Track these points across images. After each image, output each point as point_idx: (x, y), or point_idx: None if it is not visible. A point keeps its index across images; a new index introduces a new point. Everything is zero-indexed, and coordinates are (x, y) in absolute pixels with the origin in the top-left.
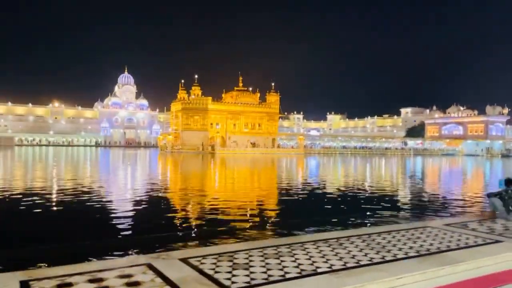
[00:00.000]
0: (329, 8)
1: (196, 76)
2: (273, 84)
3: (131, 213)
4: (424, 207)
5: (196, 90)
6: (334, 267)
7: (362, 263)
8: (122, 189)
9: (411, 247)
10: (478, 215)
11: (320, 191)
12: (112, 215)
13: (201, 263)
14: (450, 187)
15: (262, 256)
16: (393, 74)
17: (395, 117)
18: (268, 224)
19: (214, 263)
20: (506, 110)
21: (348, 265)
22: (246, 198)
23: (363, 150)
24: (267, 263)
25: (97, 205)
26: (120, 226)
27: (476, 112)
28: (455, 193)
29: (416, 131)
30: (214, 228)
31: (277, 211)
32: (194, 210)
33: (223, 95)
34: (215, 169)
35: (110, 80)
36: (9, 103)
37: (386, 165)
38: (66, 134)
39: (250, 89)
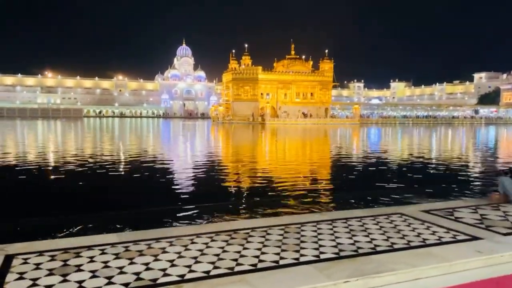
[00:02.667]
0: None
1: (246, 45)
2: (326, 51)
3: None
4: (446, 183)
5: (246, 60)
6: None
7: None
8: (175, 163)
9: (330, 245)
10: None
11: (352, 163)
12: (172, 185)
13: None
14: (497, 162)
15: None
16: (465, 37)
17: (467, 83)
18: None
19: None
20: None
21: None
22: (292, 172)
23: (427, 119)
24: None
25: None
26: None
27: None
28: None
29: (490, 98)
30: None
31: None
32: (246, 181)
33: (274, 64)
34: (265, 140)
35: (170, 53)
36: (78, 77)
37: (445, 135)
38: (129, 106)
39: (303, 57)
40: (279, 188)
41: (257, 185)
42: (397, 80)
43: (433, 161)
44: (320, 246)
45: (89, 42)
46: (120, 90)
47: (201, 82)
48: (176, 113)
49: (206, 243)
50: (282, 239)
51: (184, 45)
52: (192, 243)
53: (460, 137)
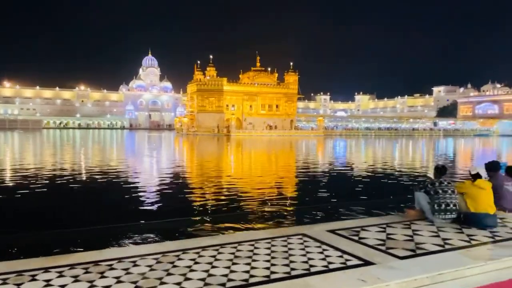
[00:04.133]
0: None
1: (211, 57)
2: (291, 64)
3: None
4: (386, 195)
5: (211, 71)
6: None
7: None
8: (132, 176)
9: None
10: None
11: (309, 175)
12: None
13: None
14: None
15: None
16: (426, 53)
17: (427, 96)
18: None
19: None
20: None
21: None
22: (254, 185)
23: (388, 131)
24: None
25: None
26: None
27: None
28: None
29: (448, 111)
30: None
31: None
32: (207, 195)
33: (240, 76)
34: (229, 152)
35: (135, 63)
36: (37, 87)
37: (405, 147)
38: (92, 117)
39: (269, 69)
40: (240, 203)
41: (217, 199)
42: (361, 93)
43: (383, 172)
44: (186, 279)
45: (49, 51)
46: (82, 101)
47: (168, 93)
48: (142, 124)
49: (172, 262)
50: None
51: (150, 55)
52: (158, 262)
53: (417, 148)
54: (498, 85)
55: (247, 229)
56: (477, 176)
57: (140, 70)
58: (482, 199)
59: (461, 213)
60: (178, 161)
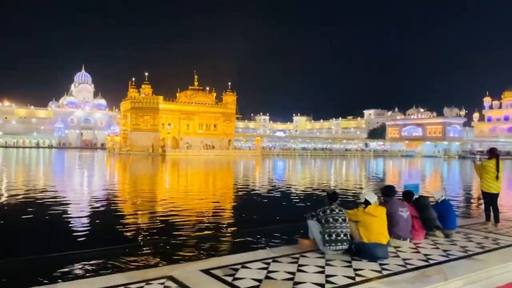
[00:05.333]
0: (293, 10)
1: (146, 74)
2: (229, 83)
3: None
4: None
5: (146, 89)
6: None
7: None
8: (50, 201)
9: None
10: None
11: (243, 197)
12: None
13: None
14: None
15: None
16: (358, 77)
17: (359, 118)
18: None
19: None
20: (463, 112)
21: None
22: (186, 209)
23: (323, 151)
24: None
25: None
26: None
27: (435, 114)
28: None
29: (378, 133)
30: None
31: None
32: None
33: (177, 94)
34: (163, 173)
35: (66, 79)
36: None
37: (332, 167)
38: (17, 134)
39: (207, 88)
40: (172, 228)
41: (147, 225)
42: (299, 114)
43: (306, 193)
44: None
45: None
46: (5, 117)
47: (102, 111)
48: (72, 143)
49: None
50: None
51: (83, 71)
52: None
53: (348, 168)
54: (422, 110)
55: (137, 267)
56: (367, 202)
57: (72, 86)
58: (374, 227)
59: (352, 244)
60: (104, 184)
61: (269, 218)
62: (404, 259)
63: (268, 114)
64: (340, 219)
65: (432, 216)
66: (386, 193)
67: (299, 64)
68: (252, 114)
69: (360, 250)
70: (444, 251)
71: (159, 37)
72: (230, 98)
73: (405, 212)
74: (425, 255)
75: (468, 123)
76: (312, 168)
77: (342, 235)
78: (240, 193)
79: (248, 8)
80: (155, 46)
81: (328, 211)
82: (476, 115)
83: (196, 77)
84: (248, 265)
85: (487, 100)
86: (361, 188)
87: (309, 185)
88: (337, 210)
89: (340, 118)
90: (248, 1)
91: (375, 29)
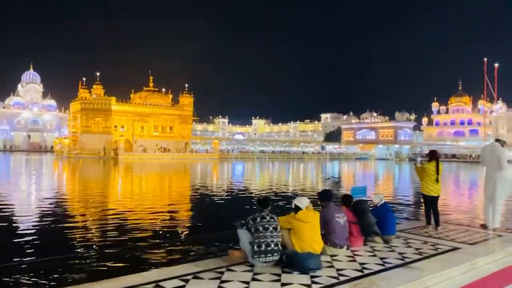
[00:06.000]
0: (249, 13)
1: (98, 74)
2: (186, 85)
3: None
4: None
5: (98, 89)
6: None
7: None
8: None
9: None
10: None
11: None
12: None
13: None
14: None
15: None
16: (317, 81)
17: (316, 122)
18: None
19: None
20: (413, 117)
21: None
22: (133, 218)
23: (281, 154)
24: None
25: None
26: None
27: (387, 118)
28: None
29: (334, 136)
30: None
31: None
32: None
33: (131, 96)
34: (113, 177)
35: (13, 79)
36: None
37: (289, 169)
38: None
39: (163, 90)
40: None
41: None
42: (258, 117)
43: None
44: None
45: None
46: None
47: (51, 112)
48: (19, 146)
49: None
50: None
51: (31, 70)
52: None
53: (303, 170)
54: (375, 114)
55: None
56: (297, 208)
57: (19, 86)
58: (306, 235)
59: (284, 254)
60: (47, 190)
61: (216, 225)
62: (338, 270)
63: (227, 117)
64: (271, 228)
65: (371, 221)
66: (323, 198)
67: (258, 68)
68: (211, 117)
69: (291, 261)
70: (381, 258)
71: (113, 37)
72: (187, 100)
73: (342, 218)
74: (361, 264)
75: (418, 127)
76: (269, 171)
77: (272, 245)
78: (193, 198)
79: (207, 11)
80: (108, 46)
81: (259, 219)
82: (425, 120)
83: (151, 78)
84: (162, 284)
85: (435, 105)
86: (313, 190)
87: (264, 188)
88: (268, 218)
89: (298, 122)
90: (206, 5)
91: (331, 37)
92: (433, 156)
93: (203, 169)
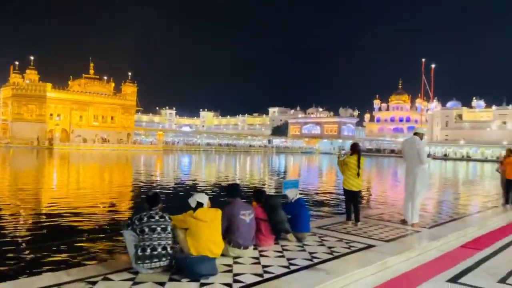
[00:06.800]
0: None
1: (32, 58)
2: (129, 74)
3: None
4: None
5: (31, 75)
6: None
7: None
8: None
9: None
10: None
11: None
12: None
13: None
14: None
15: None
16: (266, 76)
17: (264, 116)
18: None
19: None
20: (356, 113)
21: None
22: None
23: (228, 147)
24: None
25: None
26: None
27: (332, 113)
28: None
29: (281, 130)
30: None
31: None
32: None
33: (69, 83)
34: (42, 169)
35: None
36: None
37: (234, 162)
38: None
39: (105, 78)
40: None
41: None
42: (206, 110)
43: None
44: None
45: None
46: None
47: None
48: None
49: None
50: None
51: None
52: None
53: (250, 164)
54: (320, 109)
55: None
56: (197, 205)
57: None
58: (204, 235)
59: (174, 259)
60: None
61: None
62: (235, 275)
63: (174, 108)
64: (158, 229)
65: (281, 218)
66: (229, 192)
67: (209, 60)
68: (157, 108)
69: (181, 267)
70: (289, 260)
71: (49, 20)
72: (130, 89)
73: (248, 215)
74: (265, 266)
75: (360, 123)
76: (214, 163)
77: (159, 249)
78: (125, 192)
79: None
80: (47, 29)
81: (145, 219)
82: (367, 116)
83: (92, 64)
84: None
85: (376, 103)
86: (252, 181)
87: (204, 181)
88: (156, 217)
89: (246, 115)
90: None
91: (282, 32)
92: (355, 149)
93: (146, 161)
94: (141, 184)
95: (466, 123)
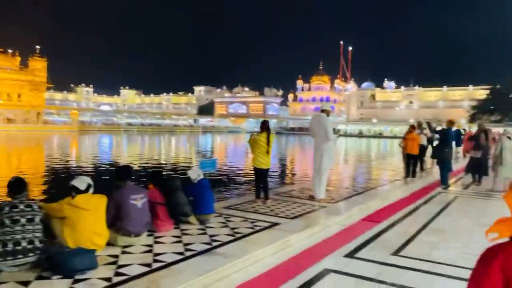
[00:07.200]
0: None
1: None
2: (38, 47)
3: None
4: None
5: None
6: None
7: None
8: None
9: None
10: None
11: None
12: None
13: None
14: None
15: None
16: (192, 54)
17: (190, 95)
18: None
19: None
20: (280, 93)
21: None
22: None
23: (151, 127)
24: None
25: None
26: None
27: (257, 93)
28: None
29: (207, 109)
30: None
31: None
32: None
33: None
34: None
35: None
36: None
37: (155, 143)
38: None
39: (9, 51)
40: None
41: None
42: (127, 88)
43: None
44: None
45: None
46: None
47: None
48: None
49: None
50: None
51: None
52: None
53: (170, 144)
54: (247, 88)
55: None
56: (76, 190)
57: None
58: (84, 226)
59: (44, 253)
60: None
61: None
62: (119, 267)
63: (92, 86)
64: (23, 220)
65: (180, 201)
66: (119, 176)
67: (131, 35)
68: (72, 85)
69: (54, 262)
70: (186, 245)
71: None
72: (39, 64)
73: (140, 200)
74: (156, 254)
75: (285, 103)
76: (136, 144)
77: (24, 243)
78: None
79: None
80: None
81: (7, 209)
82: (291, 96)
83: None
84: None
85: (299, 83)
86: (175, 164)
87: (118, 164)
88: (21, 207)
89: (171, 94)
90: None
91: (211, 11)
92: (263, 126)
93: (57, 143)
94: (44, 170)
95: (379, 103)
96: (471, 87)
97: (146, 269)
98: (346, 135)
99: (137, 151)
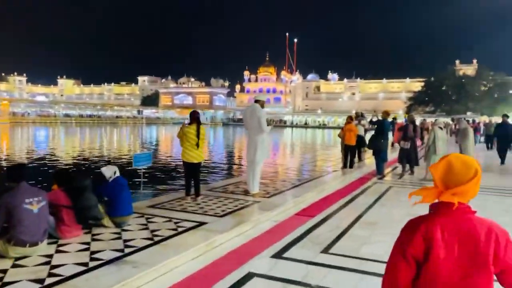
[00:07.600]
0: None
1: None
2: None
3: None
4: None
5: None
6: None
7: None
8: None
9: None
10: None
11: None
12: None
13: None
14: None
15: None
16: (132, 42)
17: (133, 85)
18: None
19: None
20: (227, 83)
21: None
22: None
23: (91, 119)
24: None
25: None
26: None
27: (203, 84)
28: None
29: (151, 100)
30: None
31: None
32: None
33: None
34: None
35: None
36: None
37: (93, 136)
38: None
39: None
40: None
41: None
42: (65, 77)
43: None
44: None
45: None
46: None
47: None
48: None
49: None
50: None
51: None
52: None
53: (103, 137)
54: (193, 79)
55: None
56: None
57: None
58: None
59: None
60: None
61: None
62: (4, 284)
63: (25, 75)
64: None
65: (89, 202)
66: (10, 176)
67: (67, 23)
68: (3, 74)
69: None
70: (93, 253)
71: None
72: None
73: (36, 204)
74: (54, 267)
75: (231, 94)
76: (72, 137)
77: None
78: None
79: None
80: None
81: None
82: (238, 87)
83: None
84: None
85: (246, 74)
86: (101, 159)
87: (48, 159)
88: None
89: (113, 84)
90: None
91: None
92: (193, 118)
93: None
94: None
95: (323, 94)
96: (408, 79)
97: (36, 286)
98: (292, 125)
99: (69, 144)
